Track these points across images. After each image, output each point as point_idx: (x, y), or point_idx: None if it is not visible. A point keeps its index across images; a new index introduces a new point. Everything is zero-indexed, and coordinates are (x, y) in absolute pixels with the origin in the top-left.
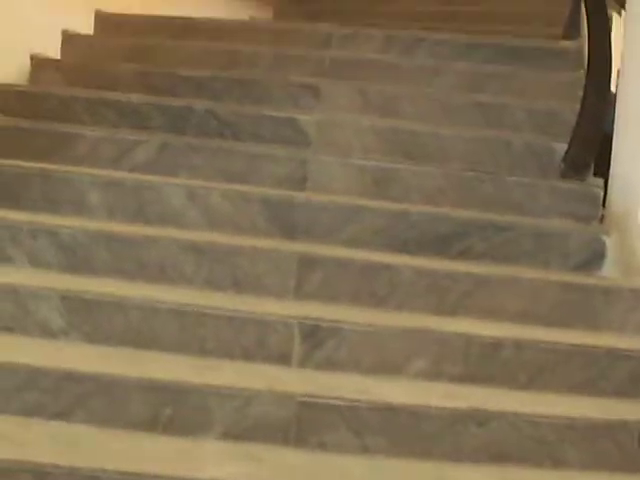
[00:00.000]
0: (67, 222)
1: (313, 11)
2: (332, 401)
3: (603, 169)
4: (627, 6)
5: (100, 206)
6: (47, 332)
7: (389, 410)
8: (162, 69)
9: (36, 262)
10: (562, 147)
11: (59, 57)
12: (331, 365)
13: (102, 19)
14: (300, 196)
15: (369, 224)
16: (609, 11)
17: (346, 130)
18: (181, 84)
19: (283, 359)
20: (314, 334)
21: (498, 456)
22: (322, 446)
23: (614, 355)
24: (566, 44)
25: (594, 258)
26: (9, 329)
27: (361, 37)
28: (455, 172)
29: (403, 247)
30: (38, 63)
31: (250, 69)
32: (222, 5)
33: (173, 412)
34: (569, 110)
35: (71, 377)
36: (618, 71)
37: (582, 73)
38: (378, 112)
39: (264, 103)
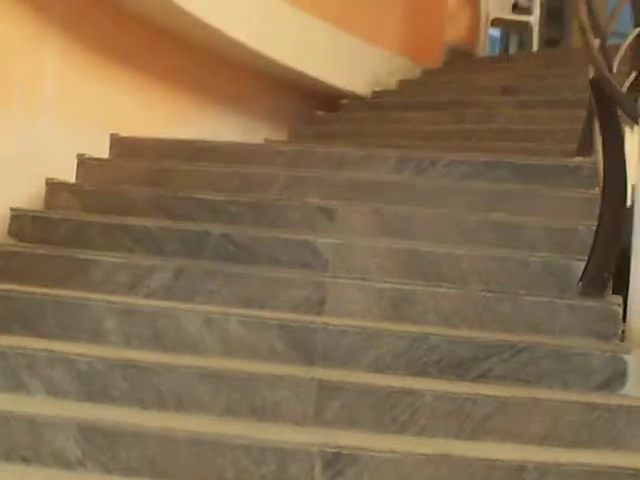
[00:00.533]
0: (83, 350)
1: (327, 132)
2: None
3: (622, 286)
4: None
5: (116, 333)
6: (63, 462)
7: None
8: (177, 193)
9: (52, 390)
10: (580, 265)
11: (74, 181)
12: None
13: (117, 142)
14: (318, 320)
15: (388, 348)
16: (622, 126)
17: (362, 252)
18: (197, 208)
19: None
20: (335, 462)
21: None
22: None
23: None
24: (580, 161)
25: (615, 377)
26: (25, 459)
27: (375, 158)
28: (472, 293)
29: (423, 371)
30: (53, 187)
31: (265, 192)
32: (237, 128)
33: None
34: (586, 228)
35: None
36: (633, 186)
37: (597, 190)
38: (394, 233)
39: (280, 226)
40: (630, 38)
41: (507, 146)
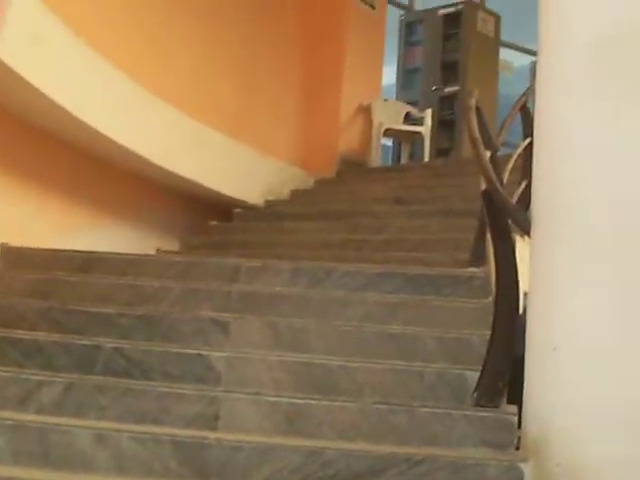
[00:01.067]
0: None
1: (220, 242)
2: None
3: (517, 394)
4: (532, 231)
5: (5, 450)
6: None
7: None
8: (67, 305)
9: None
10: (475, 375)
11: None
12: None
13: (7, 252)
14: (212, 436)
15: (284, 464)
16: (513, 236)
17: (256, 366)
18: (87, 321)
19: None
20: None
21: None
22: None
23: None
24: (473, 271)
25: None
26: None
27: (269, 270)
28: (368, 405)
29: None
30: None
31: (158, 304)
32: (129, 237)
33: None
34: (479, 337)
35: None
36: (525, 294)
37: (490, 299)
38: (288, 346)
39: (173, 340)
40: (520, 148)
41: (400, 256)
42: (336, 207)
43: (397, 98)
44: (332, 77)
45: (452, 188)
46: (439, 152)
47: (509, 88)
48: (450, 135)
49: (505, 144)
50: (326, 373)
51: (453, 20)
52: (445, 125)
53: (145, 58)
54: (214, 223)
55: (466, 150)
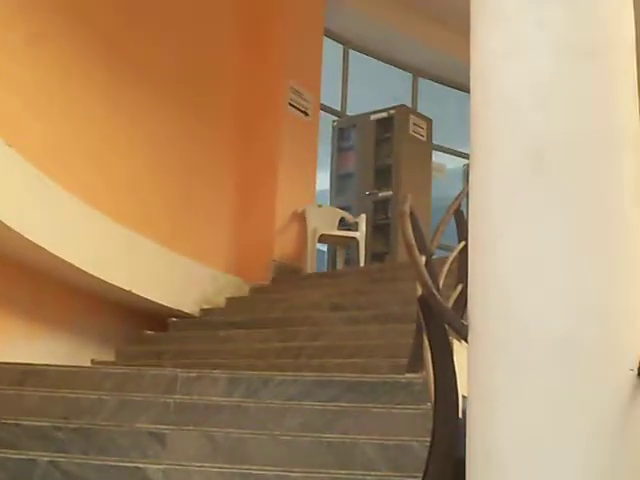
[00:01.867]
0: None
1: (156, 352)
2: None
3: None
4: (469, 335)
5: None
6: None
7: None
8: (2, 419)
9: None
10: None
11: None
12: None
13: None
14: None
15: None
16: (451, 340)
17: (194, 478)
18: (21, 435)
19: None
20: None
21: None
22: None
23: None
24: (412, 377)
25: None
26: None
27: (205, 379)
28: None
29: None
30: None
31: (94, 417)
32: (64, 349)
33: None
34: (420, 444)
35: None
36: (463, 397)
37: (429, 404)
38: (226, 457)
39: (110, 452)
40: (455, 252)
41: (338, 363)
42: (272, 315)
43: (331, 203)
44: (266, 183)
45: (389, 293)
46: (374, 256)
47: (441, 191)
48: (385, 240)
49: (440, 247)
50: None
51: (386, 124)
52: (380, 230)
53: (83, 170)
54: (150, 333)
55: (402, 254)
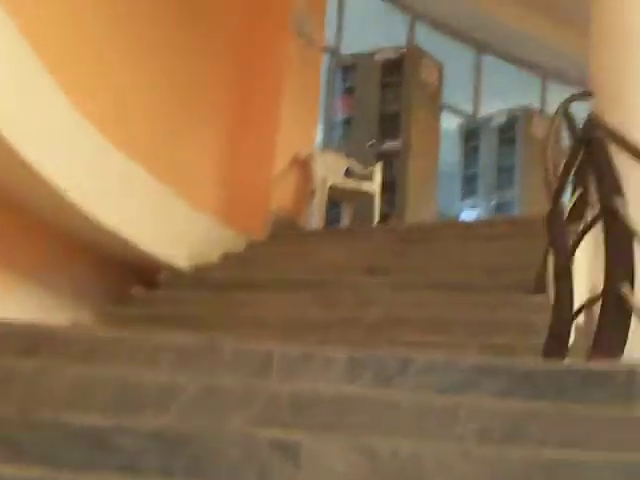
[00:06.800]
0: None
1: (150, 316)
2: None
3: None
4: None
5: None
6: None
7: None
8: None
9: None
10: None
11: None
12: None
13: None
14: None
15: None
16: None
17: None
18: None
19: None
20: None
21: None
22: None
23: None
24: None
25: None
26: None
27: (315, 360)
28: None
29: None
30: None
31: (162, 413)
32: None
33: None
34: None
35: None
36: None
37: None
38: None
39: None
40: None
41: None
42: (292, 275)
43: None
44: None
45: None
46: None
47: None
48: (390, 198)
49: None
50: None
51: (391, 67)
52: (384, 186)
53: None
54: (138, 291)
55: (410, 215)
